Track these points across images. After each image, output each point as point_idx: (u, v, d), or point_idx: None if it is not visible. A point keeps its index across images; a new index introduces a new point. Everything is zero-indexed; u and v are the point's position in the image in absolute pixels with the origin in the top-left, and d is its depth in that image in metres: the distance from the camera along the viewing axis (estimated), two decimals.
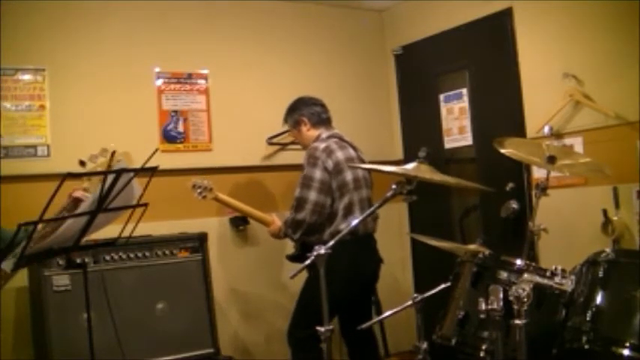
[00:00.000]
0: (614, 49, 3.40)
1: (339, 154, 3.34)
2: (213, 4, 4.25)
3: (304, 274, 3.07)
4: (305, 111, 3.53)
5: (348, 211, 3.31)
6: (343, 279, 3.16)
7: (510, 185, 3.53)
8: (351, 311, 3.41)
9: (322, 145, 3.35)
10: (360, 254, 3.33)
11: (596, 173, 3.15)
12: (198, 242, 3.70)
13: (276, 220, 3.58)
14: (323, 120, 3.54)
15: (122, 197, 2.40)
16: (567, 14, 3.63)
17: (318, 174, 3.26)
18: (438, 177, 2.59)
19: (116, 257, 3.43)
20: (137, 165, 2.42)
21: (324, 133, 3.48)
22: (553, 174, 3.24)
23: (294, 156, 4.44)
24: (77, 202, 2.51)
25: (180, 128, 4.10)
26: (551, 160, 2.86)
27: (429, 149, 2.65)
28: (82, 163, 2.56)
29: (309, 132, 3.52)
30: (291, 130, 3.66)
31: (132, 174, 2.38)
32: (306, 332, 3.00)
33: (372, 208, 2.74)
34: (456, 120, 4.42)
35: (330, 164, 3.29)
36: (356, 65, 4.73)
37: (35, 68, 3.67)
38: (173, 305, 3.54)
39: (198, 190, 3.64)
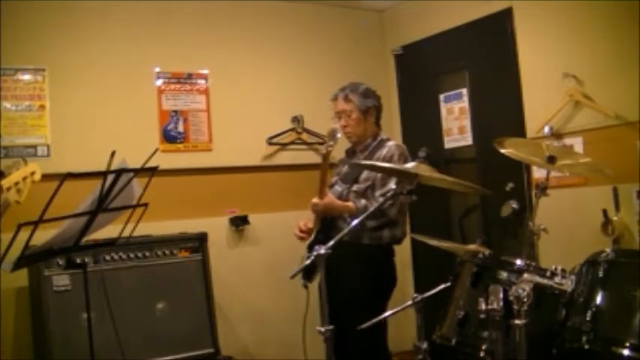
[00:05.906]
0: (614, 49, 3.40)
1: None
2: (214, 4, 4.25)
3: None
4: (378, 104, 3.40)
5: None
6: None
7: (510, 185, 3.52)
8: None
9: (404, 146, 3.32)
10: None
11: (596, 173, 3.14)
12: (198, 242, 3.71)
13: (332, 198, 3.30)
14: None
15: (122, 197, 2.40)
16: (567, 14, 3.63)
17: None
18: (437, 176, 2.58)
19: (116, 257, 3.43)
20: (136, 165, 2.42)
21: (383, 135, 3.38)
22: (553, 174, 3.23)
23: (294, 156, 4.45)
24: None
25: (180, 128, 4.10)
26: (551, 160, 2.85)
27: (429, 149, 2.64)
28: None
29: (372, 125, 3.36)
30: (353, 112, 3.31)
31: (132, 174, 2.38)
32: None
33: (370, 209, 2.73)
34: (456, 120, 4.41)
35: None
36: (356, 65, 4.72)
37: (35, 68, 3.67)
38: (173, 305, 3.54)
39: (332, 142, 3.13)
